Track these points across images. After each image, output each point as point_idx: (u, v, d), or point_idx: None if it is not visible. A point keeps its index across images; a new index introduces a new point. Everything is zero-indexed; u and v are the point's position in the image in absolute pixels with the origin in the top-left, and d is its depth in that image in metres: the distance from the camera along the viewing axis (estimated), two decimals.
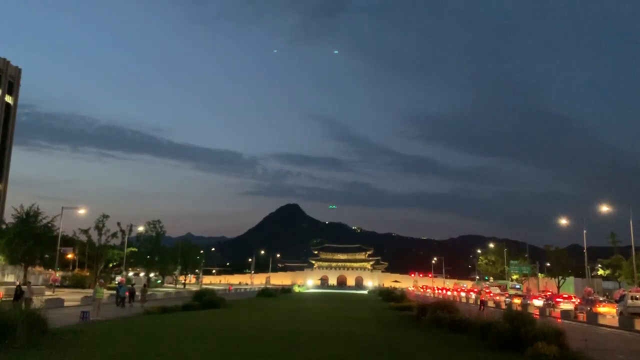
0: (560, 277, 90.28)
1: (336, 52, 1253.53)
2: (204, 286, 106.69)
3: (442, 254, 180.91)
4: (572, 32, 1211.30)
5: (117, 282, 57.09)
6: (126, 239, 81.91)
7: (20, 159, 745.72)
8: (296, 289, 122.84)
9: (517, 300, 59.86)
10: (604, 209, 61.16)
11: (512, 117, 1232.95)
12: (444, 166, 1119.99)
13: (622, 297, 41.28)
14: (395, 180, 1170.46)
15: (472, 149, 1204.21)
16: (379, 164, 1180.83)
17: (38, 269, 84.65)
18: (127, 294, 45.27)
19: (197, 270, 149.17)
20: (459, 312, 27.14)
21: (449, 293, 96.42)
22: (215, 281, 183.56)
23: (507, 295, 72.67)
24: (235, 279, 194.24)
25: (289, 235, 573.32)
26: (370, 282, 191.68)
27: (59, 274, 74.88)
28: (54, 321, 19.31)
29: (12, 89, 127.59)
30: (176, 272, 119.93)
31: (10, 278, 79.56)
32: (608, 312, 43.00)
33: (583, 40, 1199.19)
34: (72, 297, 49.40)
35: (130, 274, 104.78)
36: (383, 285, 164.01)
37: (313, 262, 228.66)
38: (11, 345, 14.91)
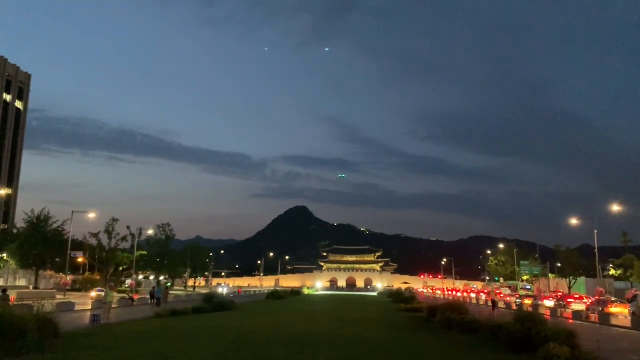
0: (571, 278, 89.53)
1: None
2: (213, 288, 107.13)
3: (452, 255, 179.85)
4: (583, 31, 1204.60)
5: (154, 286, 62.05)
6: (136, 243, 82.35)
7: (30, 164, 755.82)
8: (305, 291, 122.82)
9: (528, 301, 59.47)
10: (615, 208, 60.60)
11: (522, 117, 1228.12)
12: (453, 167, 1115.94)
13: (635, 297, 40.81)
14: (405, 181, 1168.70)
15: (482, 149, 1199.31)
16: (388, 165, 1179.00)
17: (49, 272, 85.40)
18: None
19: (206, 273, 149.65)
20: (469, 314, 26.96)
21: (459, 294, 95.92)
22: (224, 283, 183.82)
23: (517, 296, 72.16)
24: (244, 282, 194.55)
25: (297, 237, 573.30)
26: (380, 284, 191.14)
27: (69, 278, 75.44)
28: (65, 324, 19.44)
29: (22, 95, 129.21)
30: (186, 275, 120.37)
31: (21, 282, 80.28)
32: (620, 312, 42.55)
33: (594, 39, 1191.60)
34: (82, 301, 49.82)
35: (140, 277, 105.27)
36: (393, 286, 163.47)
37: (322, 264, 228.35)
38: (23, 349, 15.01)
